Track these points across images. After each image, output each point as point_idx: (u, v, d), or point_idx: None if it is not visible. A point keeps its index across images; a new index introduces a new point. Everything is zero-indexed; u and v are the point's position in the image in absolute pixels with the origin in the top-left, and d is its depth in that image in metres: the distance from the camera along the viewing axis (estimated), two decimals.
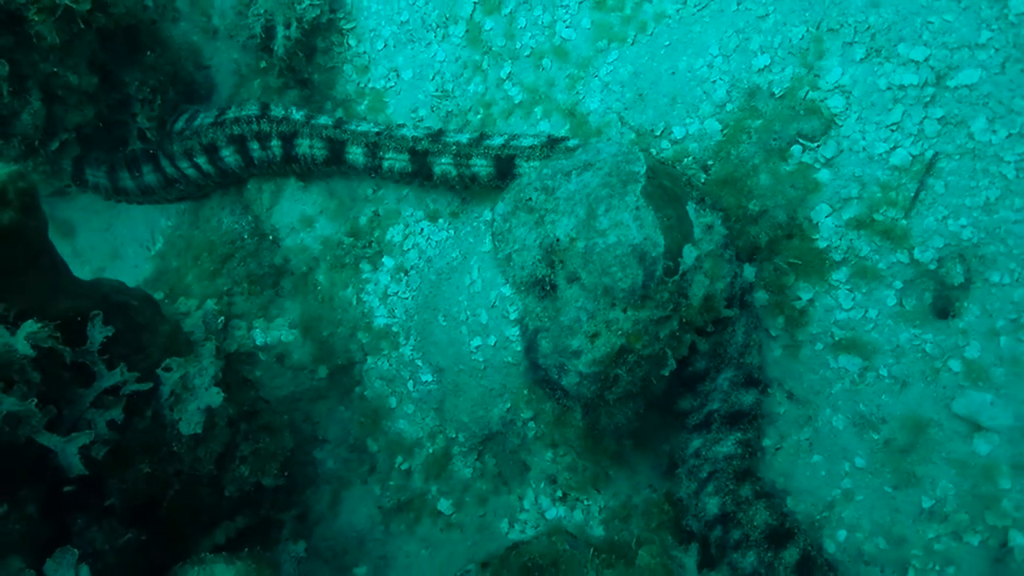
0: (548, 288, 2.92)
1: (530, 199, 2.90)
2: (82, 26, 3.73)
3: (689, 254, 2.61)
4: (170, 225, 5.34)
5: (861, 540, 2.96)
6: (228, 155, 4.34)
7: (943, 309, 2.97)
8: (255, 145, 4.27)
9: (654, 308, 2.63)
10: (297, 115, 4.20)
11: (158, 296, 4.72)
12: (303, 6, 4.36)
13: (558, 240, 2.81)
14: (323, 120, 4.16)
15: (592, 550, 2.67)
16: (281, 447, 3.99)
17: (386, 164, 3.98)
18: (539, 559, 2.60)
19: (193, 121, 4.41)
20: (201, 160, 4.42)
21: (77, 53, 3.93)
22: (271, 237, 4.68)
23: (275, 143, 4.21)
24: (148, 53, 4.34)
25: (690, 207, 2.78)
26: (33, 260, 2.96)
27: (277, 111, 4.25)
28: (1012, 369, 2.78)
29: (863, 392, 3.02)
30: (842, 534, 3.00)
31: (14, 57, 3.79)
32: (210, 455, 3.63)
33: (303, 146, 4.16)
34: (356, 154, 4.04)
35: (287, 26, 4.38)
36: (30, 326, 2.81)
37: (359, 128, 4.06)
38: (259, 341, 4.25)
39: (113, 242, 6.13)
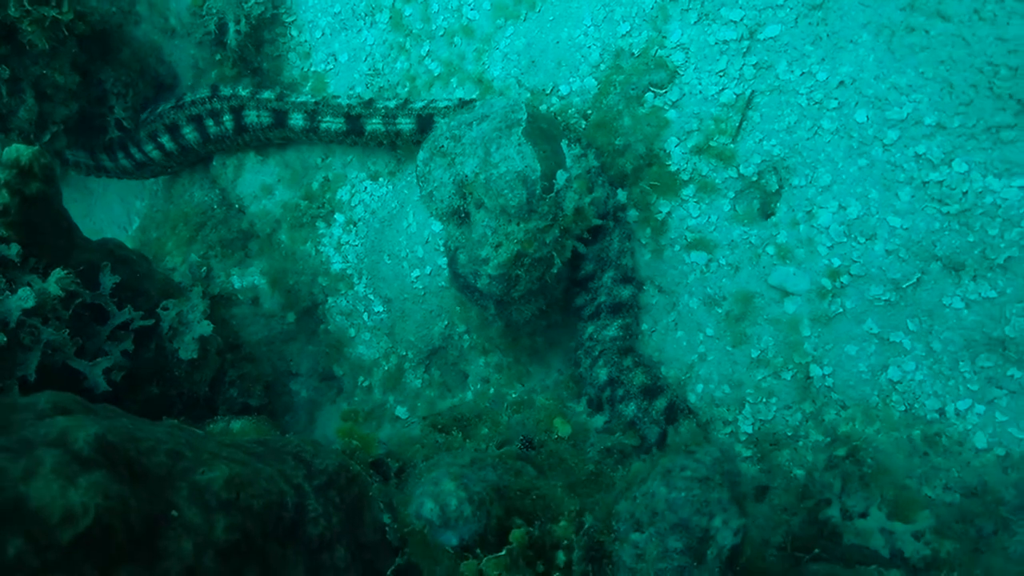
0: (463, 215, 3.79)
1: (443, 146, 3.76)
2: (66, 33, 4.48)
3: (561, 177, 3.50)
4: (144, 206, 6.12)
5: (712, 389, 3.90)
6: (188, 132, 5.13)
7: (766, 211, 3.89)
8: (210, 122, 5.07)
9: (538, 220, 3.51)
10: (243, 92, 5.01)
11: None
12: (250, 4, 5.14)
13: (466, 176, 3.68)
14: (267, 94, 4.97)
15: (506, 404, 3.55)
16: (262, 372, 4.84)
17: (323, 126, 4.79)
18: (467, 413, 3.47)
19: (155, 110, 5.23)
20: (164, 139, 5.21)
21: (62, 56, 4.67)
22: (237, 206, 5.48)
23: (227, 117, 5.02)
24: (121, 51, 5.11)
25: (563, 143, 3.67)
26: (55, 222, 3.74)
27: (225, 90, 5.06)
28: (807, 248, 3.72)
29: (709, 279, 3.94)
30: (699, 387, 3.93)
31: (10, 63, 4.53)
32: (204, 379, 4.44)
33: (251, 116, 4.97)
34: (296, 119, 4.86)
35: (237, 22, 5.16)
36: (58, 273, 3.60)
37: (299, 99, 4.88)
38: (236, 285, 5.06)
39: (93, 226, 6.90)
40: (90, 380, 3.80)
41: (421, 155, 3.86)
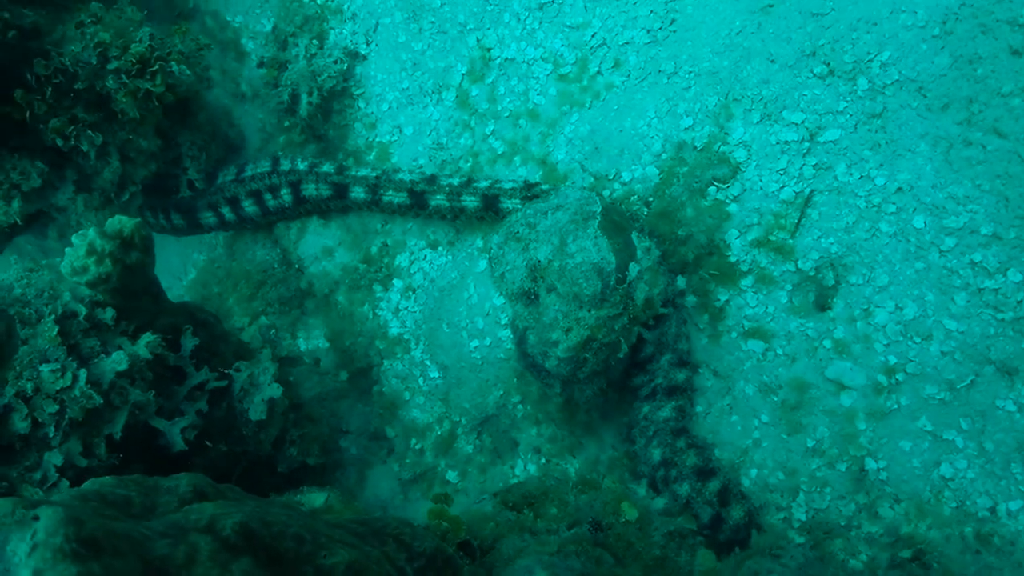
0: (533, 297, 3.98)
1: (518, 232, 3.97)
2: (156, 104, 4.73)
3: (633, 269, 3.69)
4: (204, 259, 6.33)
5: (767, 475, 4.04)
6: (248, 205, 5.37)
7: (822, 304, 4.07)
8: (268, 196, 5.31)
9: (610, 308, 3.70)
10: (302, 165, 5.24)
11: None
12: (323, 77, 5.41)
13: (539, 262, 3.88)
14: (326, 167, 5.20)
15: (571, 483, 3.70)
16: (320, 432, 5.00)
17: (386, 199, 5.01)
18: (534, 491, 3.62)
19: (216, 181, 5.48)
20: (225, 210, 5.45)
21: (148, 123, 4.92)
22: (297, 266, 5.69)
23: (285, 191, 5.25)
24: (198, 115, 5.37)
25: (633, 235, 3.86)
26: (147, 288, 3.95)
27: (285, 164, 5.30)
28: (864, 344, 3.89)
29: (765, 367, 4.10)
30: (753, 472, 4.07)
31: (101, 128, 4.78)
32: (269, 438, 4.60)
33: (310, 189, 5.20)
34: (358, 192, 5.08)
35: (310, 94, 5.43)
36: (148, 337, 3.80)
37: (359, 173, 5.10)
38: (302, 348, 5.24)
39: None
40: (168, 438, 3.97)
41: (496, 238, 4.06)
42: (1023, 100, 3.67)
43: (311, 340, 5.30)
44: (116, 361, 3.71)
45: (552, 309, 3.82)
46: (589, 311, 3.72)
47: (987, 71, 3.77)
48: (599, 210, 3.78)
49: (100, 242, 3.61)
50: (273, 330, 4.88)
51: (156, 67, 4.62)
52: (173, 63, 4.66)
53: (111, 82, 4.51)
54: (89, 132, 4.63)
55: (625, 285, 3.69)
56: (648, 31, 4.74)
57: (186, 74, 4.73)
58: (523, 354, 4.01)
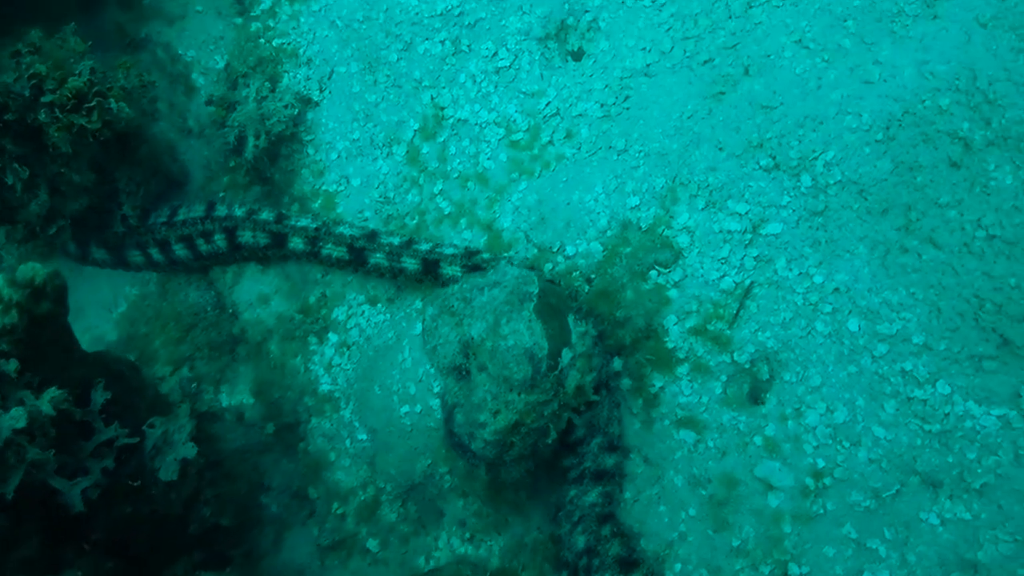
0: (464, 373, 3.88)
1: (452, 306, 3.87)
2: (91, 140, 4.56)
3: (566, 355, 3.62)
4: (136, 294, 6.11)
5: (691, 571, 3.96)
6: (179, 249, 5.18)
7: (755, 398, 4.04)
8: (201, 241, 5.13)
9: (540, 394, 3.61)
10: (239, 212, 5.07)
11: (130, 358, 5.50)
12: (271, 121, 5.29)
13: (472, 338, 3.78)
14: (265, 215, 5.03)
15: (488, 574, 3.58)
16: (237, 491, 4.80)
17: (324, 252, 4.88)
18: None
19: (148, 221, 5.28)
20: (153, 251, 5.26)
21: (82, 157, 4.74)
22: (231, 310, 5.51)
23: (219, 236, 5.07)
24: (139, 149, 5.20)
25: (570, 318, 3.79)
26: (57, 339, 3.76)
27: (220, 210, 5.11)
28: (794, 445, 3.86)
29: (696, 458, 4.05)
30: (677, 566, 3.99)
31: (29, 161, 4.58)
32: (180, 498, 4.39)
33: (246, 236, 5.03)
34: (296, 243, 4.93)
35: (257, 137, 5.30)
36: (52, 392, 3.60)
37: (299, 223, 4.95)
38: (224, 403, 5.06)
39: (75, 303, 6.82)
40: (67, 499, 3.76)
41: (431, 310, 3.96)
42: (959, 213, 3.71)
43: (237, 393, 5.11)
44: (14, 417, 3.49)
45: (482, 389, 3.72)
46: (519, 395, 3.63)
47: (926, 180, 3.81)
48: (536, 291, 3.71)
49: (7, 291, 3.43)
50: (195, 383, 4.69)
51: (94, 103, 4.46)
52: (112, 100, 4.50)
53: (43, 116, 4.35)
54: (15, 165, 4.43)
55: (557, 372, 3.61)
56: (602, 105, 4.72)
57: (125, 111, 4.57)
58: (449, 432, 3.90)
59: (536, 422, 3.69)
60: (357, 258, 4.80)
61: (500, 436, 3.69)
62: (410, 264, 4.66)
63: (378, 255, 4.74)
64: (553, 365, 3.61)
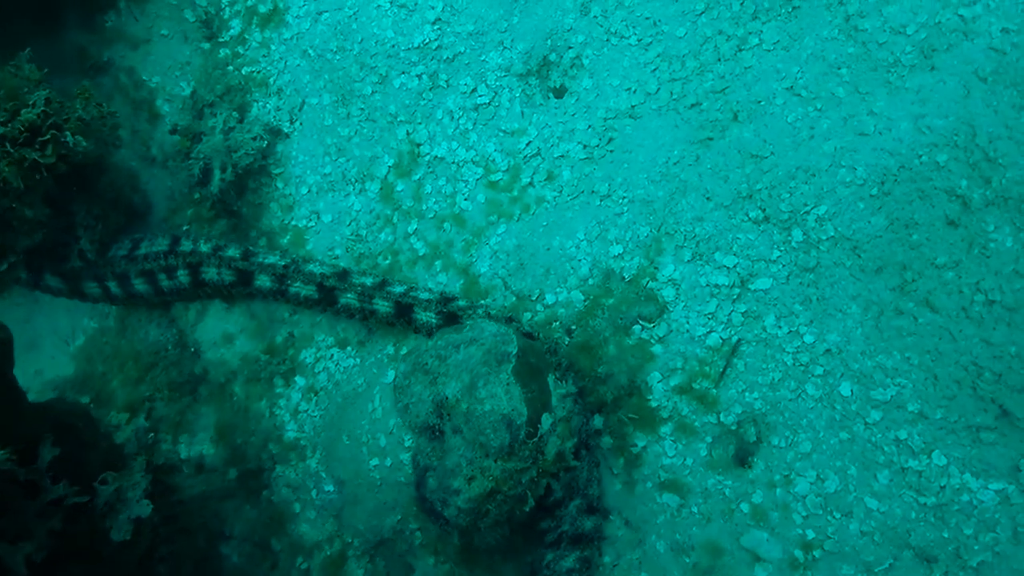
0: (438, 433, 3.66)
1: (426, 364, 3.66)
2: (44, 174, 4.30)
3: (546, 421, 3.41)
4: (95, 327, 5.82)
5: None
6: (138, 284, 4.92)
7: (742, 459, 3.86)
8: (163, 276, 4.86)
9: (518, 461, 3.41)
10: (204, 247, 4.81)
11: (84, 400, 5.22)
12: (239, 154, 5.05)
13: (447, 398, 3.57)
14: (231, 252, 4.79)
15: None
16: (195, 546, 4.54)
17: (292, 291, 4.63)
18: None
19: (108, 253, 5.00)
20: (111, 284, 4.98)
21: (35, 191, 4.47)
22: (193, 349, 5.25)
23: (182, 272, 4.81)
24: (98, 181, 4.93)
25: (550, 378, 3.59)
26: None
27: (185, 245, 4.85)
28: (783, 514, 3.68)
29: (679, 524, 3.86)
30: None
31: None
32: (133, 559, 4.14)
33: (210, 273, 4.77)
34: (263, 280, 4.69)
35: (223, 170, 5.06)
36: None
37: (267, 260, 4.71)
38: (183, 455, 4.79)
39: (32, 333, 6.53)
40: (9, 565, 3.49)
41: (402, 367, 3.75)
42: (956, 275, 3.56)
43: (196, 443, 4.85)
44: None
45: (456, 453, 3.51)
46: (495, 462, 3.43)
47: (922, 238, 3.66)
48: (515, 351, 3.50)
49: None
50: (152, 434, 4.43)
51: (48, 136, 4.21)
52: (68, 133, 4.25)
53: None
54: None
55: (536, 439, 3.41)
56: (585, 147, 4.54)
57: (82, 145, 4.32)
58: (421, 497, 3.68)
59: (513, 489, 3.48)
60: (327, 298, 4.57)
61: (474, 504, 3.48)
62: (382, 307, 4.44)
63: (349, 295, 4.52)
64: (532, 432, 3.40)
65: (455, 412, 3.52)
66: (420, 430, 3.71)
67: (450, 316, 4.26)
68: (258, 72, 5.34)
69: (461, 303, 4.31)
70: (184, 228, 5.25)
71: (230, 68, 5.39)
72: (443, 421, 3.61)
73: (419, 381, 3.67)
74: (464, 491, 3.47)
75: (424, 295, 4.39)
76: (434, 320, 4.28)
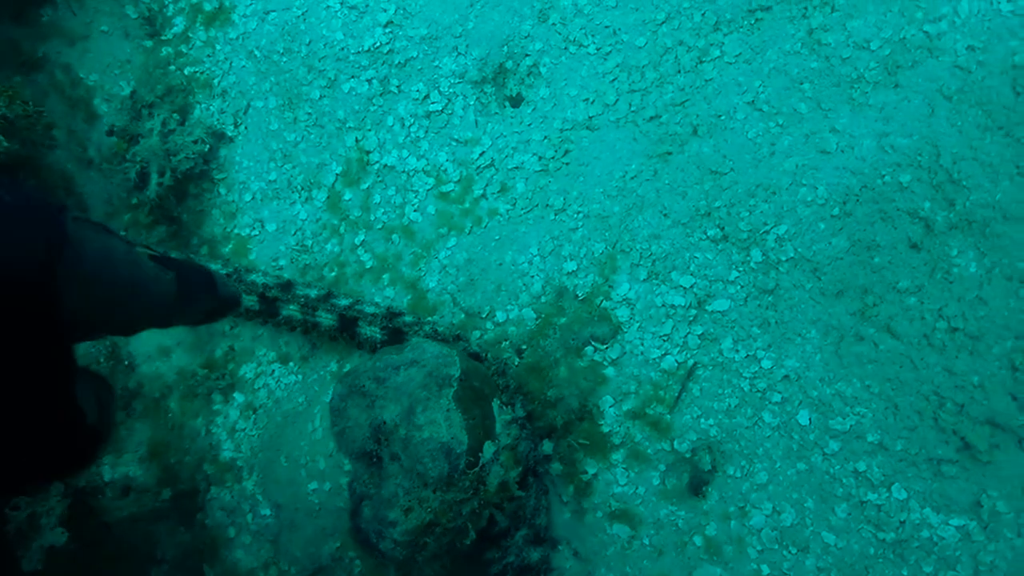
0: (375, 460, 3.44)
1: (364, 386, 3.44)
2: None
3: (488, 450, 3.21)
4: None
5: None
6: None
7: (697, 487, 3.68)
8: None
9: (457, 492, 3.20)
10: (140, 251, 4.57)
11: None
12: (179, 158, 4.80)
13: (385, 423, 3.35)
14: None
15: None
16: (123, 573, 4.26)
17: None
18: None
19: None
20: None
21: None
22: (127, 362, 4.96)
23: None
24: (27, 184, 4.65)
25: (495, 404, 3.40)
26: None
27: None
28: (737, 548, 3.50)
29: (630, 557, 3.67)
30: None
31: None
32: None
33: None
34: None
35: (161, 174, 4.80)
36: None
37: (209, 267, 4.48)
38: (107, 477, 4.51)
39: None
40: None
41: (339, 388, 3.52)
42: (919, 300, 3.43)
43: (121, 464, 4.56)
44: None
45: (393, 482, 3.30)
46: (434, 492, 3.21)
47: (884, 261, 3.52)
48: (457, 375, 3.30)
49: None
50: None
51: None
52: None
53: None
54: None
55: (477, 468, 3.20)
56: (540, 158, 4.36)
57: (3, 145, 4.05)
58: (356, 528, 3.45)
59: (453, 521, 3.27)
60: (268, 309, 4.33)
61: (411, 536, 3.26)
62: (326, 319, 4.22)
63: (292, 307, 4.29)
64: (473, 461, 3.20)
65: (393, 439, 3.31)
66: (357, 456, 3.49)
67: (395, 332, 4.05)
68: (202, 73, 5.09)
69: (407, 319, 4.10)
70: (121, 233, 4.97)
71: (172, 68, 5.13)
72: (381, 447, 3.39)
73: (356, 404, 3.45)
74: (401, 523, 3.25)
75: (370, 309, 4.17)
76: (378, 336, 4.07)
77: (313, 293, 4.30)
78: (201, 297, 2.54)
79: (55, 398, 1.67)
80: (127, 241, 2.05)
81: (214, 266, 4.46)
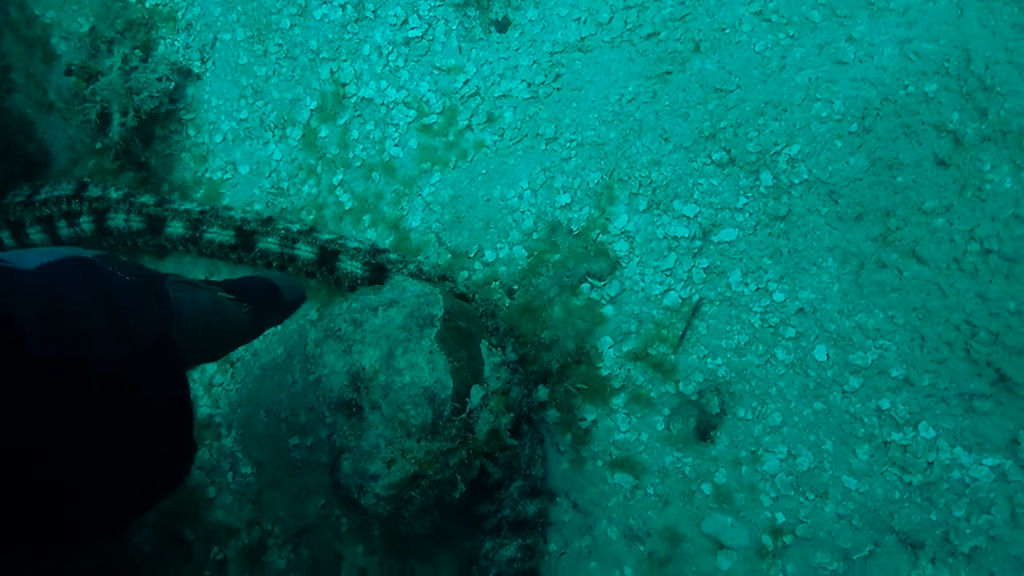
0: (355, 410, 3.15)
1: (339, 329, 3.14)
2: None
3: (476, 394, 2.92)
4: None
5: None
6: (34, 234, 4.34)
7: (704, 432, 3.41)
8: (63, 223, 4.29)
9: (443, 441, 2.91)
10: (115, 194, 4.27)
11: None
12: (142, 96, 4.46)
13: (363, 369, 3.06)
14: (145, 198, 4.25)
15: None
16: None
17: (207, 236, 4.09)
18: None
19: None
20: (4, 234, 4.41)
21: None
22: None
23: (85, 219, 4.25)
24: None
25: (483, 345, 3.10)
26: None
27: (94, 191, 4.31)
28: (750, 495, 3.23)
29: (633, 507, 3.41)
30: None
31: None
32: None
33: (118, 220, 4.21)
34: (176, 227, 4.14)
35: (124, 114, 4.46)
36: None
37: (183, 207, 4.18)
38: None
39: None
40: None
41: (313, 334, 3.22)
42: (947, 221, 3.11)
43: None
44: None
45: (374, 432, 3.01)
46: (418, 442, 2.93)
47: (908, 181, 3.20)
48: (440, 314, 3.00)
49: None
50: None
51: None
52: None
53: None
54: None
55: (464, 415, 2.91)
56: (529, 85, 4.02)
57: None
58: (335, 484, 3.17)
59: (440, 473, 2.99)
60: (244, 243, 4.03)
61: (395, 491, 2.98)
62: (304, 252, 3.92)
63: (270, 240, 3.99)
64: (459, 408, 2.91)
65: (372, 385, 3.01)
66: (336, 406, 3.20)
67: (378, 268, 3.76)
68: (164, 5, 4.72)
69: (392, 256, 3.80)
70: (85, 179, 4.65)
71: (132, 0, 4.76)
72: (360, 396, 3.10)
73: (332, 350, 3.15)
74: (383, 476, 2.97)
75: (353, 243, 3.88)
76: (359, 271, 3.77)
77: (296, 227, 4.01)
78: (272, 314, 3.08)
79: (184, 432, 2.11)
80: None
81: (189, 205, 4.16)
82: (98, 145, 4.63)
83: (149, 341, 1.91)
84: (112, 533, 1.93)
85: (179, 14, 4.69)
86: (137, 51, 4.58)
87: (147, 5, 4.74)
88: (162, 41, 4.71)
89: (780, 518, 3.19)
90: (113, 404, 1.78)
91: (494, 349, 3.11)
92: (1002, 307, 2.97)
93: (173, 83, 4.56)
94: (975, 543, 2.95)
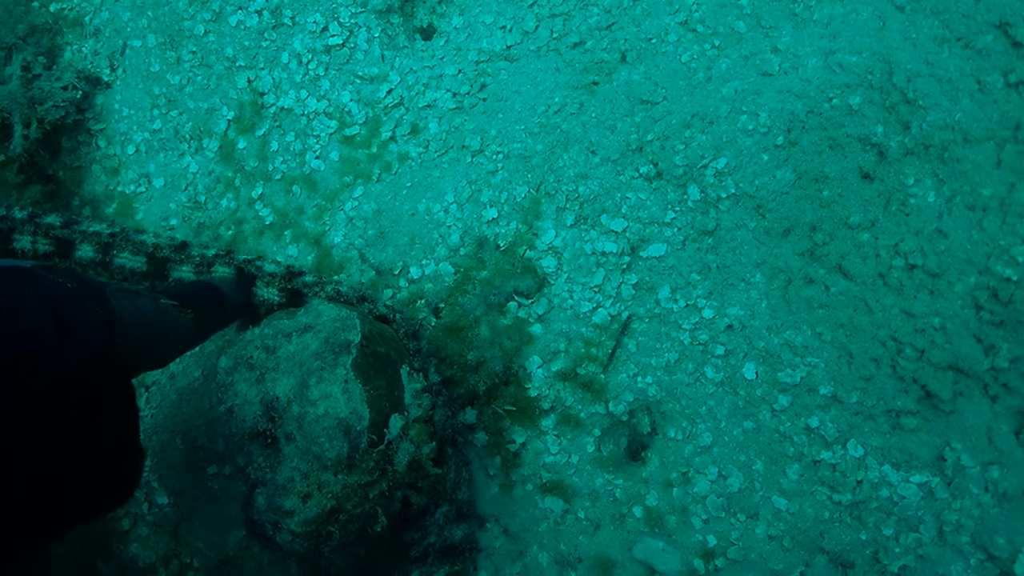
0: (270, 441, 2.99)
1: (251, 357, 2.98)
2: None
3: (395, 424, 2.79)
4: None
5: None
6: None
7: (635, 452, 3.33)
8: None
9: (361, 474, 2.78)
10: (19, 214, 4.01)
11: None
12: (46, 106, 4.21)
13: (277, 398, 2.91)
14: (51, 219, 4.00)
15: None
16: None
17: (117, 263, 3.87)
18: None
19: None
20: None
21: None
22: None
23: None
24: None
25: (404, 371, 2.97)
26: None
27: None
28: (681, 518, 3.17)
29: (564, 532, 3.31)
30: None
31: None
32: None
33: (24, 242, 3.97)
34: (86, 250, 3.91)
35: (26, 125, 4.21)
36: None
37: (91, 228, 3.95)
38: None
39: None
40: None
41: (224, 361, 3.05)
42: (873, 236, 3.08)
43: None
44: None
45: (288, 465, 2.86)
46: (335, 475, 2.79)
47: (834, 195, 3.17)
48: (357, 340, 2.86)
49: None
50: None
51: None
52: None
53: None
54: None
55: (383, 446, 2.78)
56: (454, 95, 3.89)
57: None
58: (249, 521, 3.01)
59: (359, 507, 2.86)
60: (157, 271, 3.82)
61: (312, 527, 2.84)
62: (222, 273, 3.72)
63: (184, 268, 3.77)
64: (376, 440, 2.77)
65: (287, 416, 2.86)
66: (250, 437, 3.04)
67: (295, 293, 3.59)
68: (70, 9, 4.48)
69: (308, 279, 3.63)
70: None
71: (36, 4, 4.50)
72: (275, 426, 2.94)
73: (244, 378, 2.99)
74: (299, 512, 2.82)
75: (270, 266, 3.69)
76: (276, 298, 3.60)
77: (211, 253, 3.80)
78: (216, 319, 3.14)
79: (132, 437, 2.09)
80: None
81: (99, 227, 3.92)
82: (1, 158, 4.36)
83: (95, 343, 1.95)
84: (55, 535, 1.93)
85: (86, 19, 4.45)
86: (40, 58, 4.33)
87: (51, 9, 4.49)
88: (68, 47, 4.47)
89: (712, 541, 3.12)
90: (60, 404, 1.79)
91: (415, 374, 2.98)
92: (927, 323, 2.95)
93: (80, 92, 4.32)
94: (904, 562, 2.93)
